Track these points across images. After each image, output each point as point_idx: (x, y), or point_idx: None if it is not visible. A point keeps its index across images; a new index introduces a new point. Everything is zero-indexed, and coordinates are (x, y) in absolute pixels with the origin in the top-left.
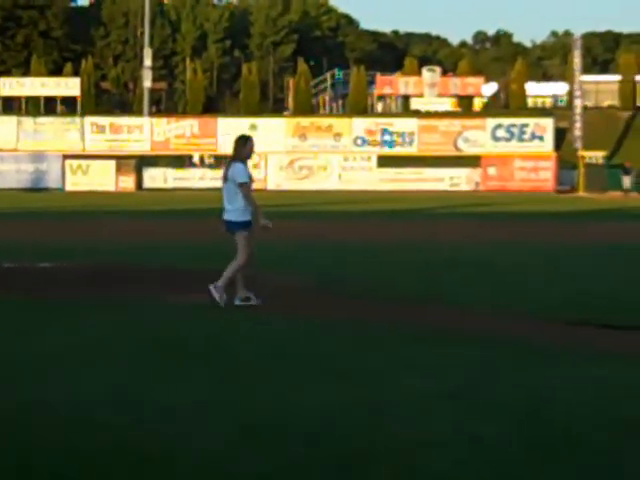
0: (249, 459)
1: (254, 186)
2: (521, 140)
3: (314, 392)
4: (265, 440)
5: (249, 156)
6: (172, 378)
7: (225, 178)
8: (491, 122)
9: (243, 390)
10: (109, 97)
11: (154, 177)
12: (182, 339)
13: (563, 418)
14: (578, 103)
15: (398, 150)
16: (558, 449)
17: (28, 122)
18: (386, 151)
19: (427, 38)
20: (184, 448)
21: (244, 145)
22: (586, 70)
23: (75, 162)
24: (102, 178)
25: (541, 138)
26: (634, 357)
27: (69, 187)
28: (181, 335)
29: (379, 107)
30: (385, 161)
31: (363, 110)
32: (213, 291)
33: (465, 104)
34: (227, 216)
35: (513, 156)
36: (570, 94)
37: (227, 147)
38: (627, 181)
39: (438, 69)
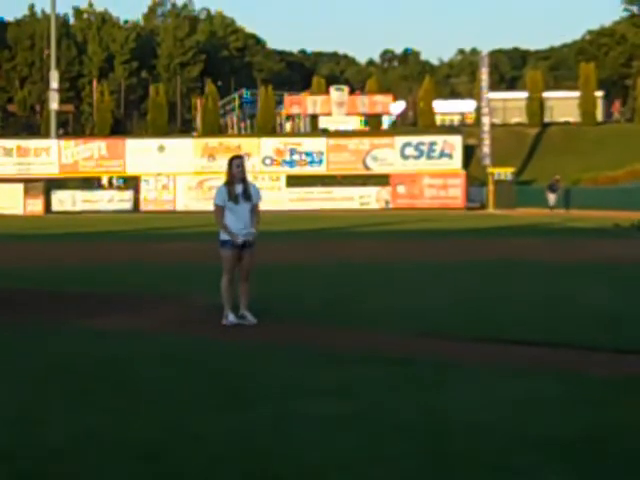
0: None
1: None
2: (430, 158)
3: (217, 416)
4: (166, 465)
5: (235, 177)
6: (66, 404)
7: None
8: (400, 140)
9: (136, 417)
10: (16, 120)
11: (63, 200)
12: (80, 364)
13: (467, 438)
14: (486, 120)
15: (307, 169)
16: (462, 469)
17: None
18: (295, 171)
19: (335, 57)
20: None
21: (229, 166)
22: (493, 87)
23: None
24: (10, 201)
25: (450, 156)
26: (539, 374)
27: None
28: (79, 360)
29: (287, 127)
30: (294, 181)
31: (271, 130)
32: (225, 322)
33: (373, 123)
34: None
35: (422, 174)
36: (478, 111)
37: (136, 168)
38: (552, 198)
39: (346, 88)
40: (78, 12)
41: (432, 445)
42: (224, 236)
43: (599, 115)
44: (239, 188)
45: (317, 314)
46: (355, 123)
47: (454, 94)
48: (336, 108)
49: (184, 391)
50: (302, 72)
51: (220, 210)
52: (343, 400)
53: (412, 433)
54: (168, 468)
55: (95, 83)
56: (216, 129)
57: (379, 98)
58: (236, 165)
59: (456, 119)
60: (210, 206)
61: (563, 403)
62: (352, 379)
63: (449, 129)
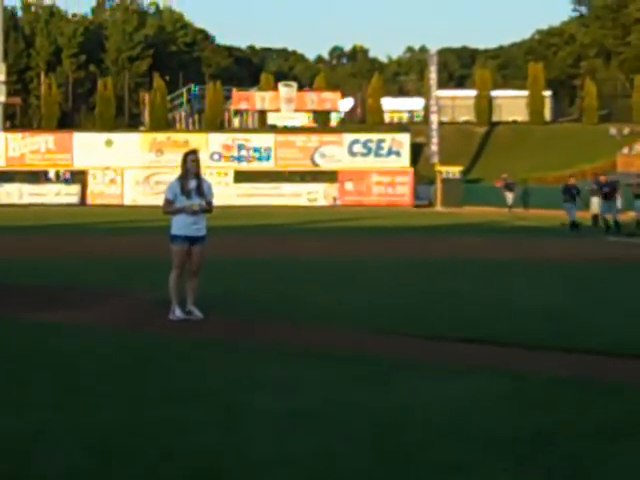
0: (99, 478)
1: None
2: (378, 155)
3: (169, 411)
4: (116, 460)
5: (189, 172)
6: (15, 399)
7: None
8: (348, 137)
9: (87, 413)
10: None
11: (9, 193)
12: (30, 358)
13: (417, 435)
14: (434, 118)
15: (255, 165)
16: (410, 466)
17: None
18: (243, 166)
19: (283, 53)
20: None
21: (183, 161)
22: (442, 85)
23: None
24: None
25: (398, 153)
26: (489, 372)
27: None
28: (28, 354)
29: (236, 122)
30: (242, 176)
31: (220, 125)
32: (172, 317)
33: (322, 119)
34: None
35: (370, 171)
36: (426, 109)
37: (83, 162)
38: (510, 197)
39: (294, 84)
40: (26, 5)
41: (381, 442)
42: (175, 231)
43: (547, 115)
44: (192, 183)
45: (269, 310)
46: (303, 119)
47: (403, 92)
48: (285, 104)
49: (135, 386)
50: (251, 68)
51: (169, 204)
52: (294, 396)
53: (362, 430)
54: (119, 463)
55: (43, 76)
56: (164, 124)
57: (328, 95)
58: (191, 160)
59: (405, 117)
60: (158, 201)
61: (513, 402)
62: (303, 375)
63: (397, 127)
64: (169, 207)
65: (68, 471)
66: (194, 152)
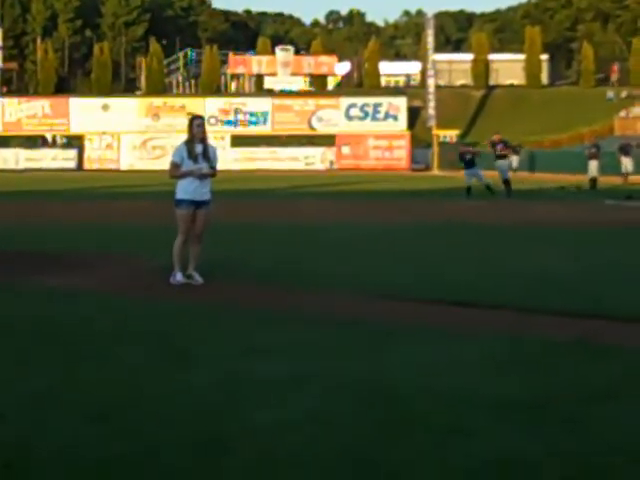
0: (103, 444)
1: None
2: (375, 119)
3: (167, 377)
4: (117, 426)
5: (195, 136)
6: (15, 364)
7: None
8: (345, 101)
9: (86, 379)
10: None
11: (6, 158)
12: (30, 324)
13: (418, 400)
14: (431, 82)
15: (252, 129)
16: (413, 431)
17: None
18: (240, 130)
19: (280, 17)
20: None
21: (189, 126)
22: (439, 49)
23: None
24: None
25: (395, 117)
26: (489, 336)
27: None
28: (29, 320)
29: (232, 87)
30: (239, 140)
31: (216, 90)
32: (172, 281)
33: (319, 83)
34: None
35: (367, 135)
36: (423, 73)
37: (80, 127)
38: (515, 160)
39: (291, 48)
40: None
41: (384, 407)
42: (180, 195)
43: (544, 78)
44: (199, 148)
45: (268, 275)
46: (300, 84)
47: (399, 56)
48: (281, 68)
49: (134, 352)
50: (247, 32)
51: (176, 167)
52: (294, 361)
53: (363, 395)
54: (119, 429)
55: (39, 41)
56: (160, 89)
57: (324, 59)
58: (197, 125)
59: (401, 81)
60: (155, 165)
61: (512, 365)
62: (303, 340)
63: (394, 91)
64: (176, 170)
65: (70, 440)
66: (200, 117)
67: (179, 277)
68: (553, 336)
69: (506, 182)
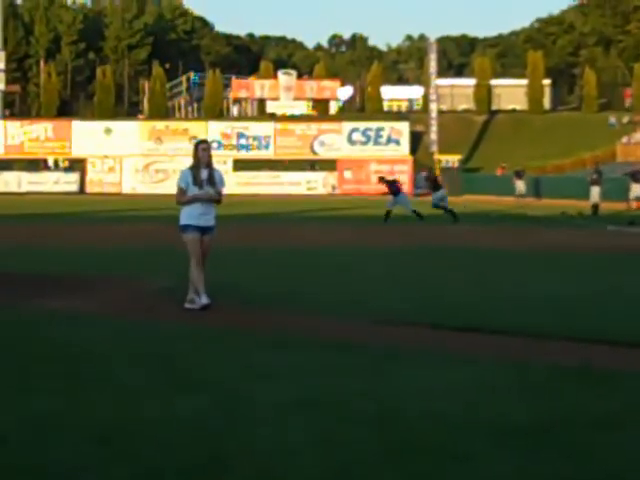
0: (104, 466)
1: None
2: (377, 144)
3: (168, 400)
4: (118, 449)
5: (201, 161)
6: (17, 386)
7: None
8: (347, 126)
9: (88, 401)
10: None
11: (8, 181)
12: (32, 346)
13: (419, 424)
14: (433, 107)
15: (254, 154)
16: (413, 455)
17: None
18: (242, 154)
19: (282, 41)
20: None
21: (195, 150)
22: (441, 74)
23: None
24: None
25: (397, 142)
26: (490, 361)
27: None
28: (30, 342)
29: (235, 111)
30: (241, 165)
31: (219, 114)
32: (188, 306)
33: (321, 108)
34: None
35: (369, 160)
36: (425, 98)
37: (82, 150)
38: (520, 185)
39: (294, 72)
40: None
41: (384, 431)
42: (185, 221)
43: (546, 103)
44: (204, 173)
45: (269, 299)
46: (303, 108)
47: (402, 80)
48: (284, 92)
49: (136, 375)
50: (250, 56)
51: (183, 193)
52: (294, 385)
53: (363, 419)
54: (120, 452)
55: (42, 64)
56: (163, 112)
57: (327, 83)
58: (202, 149)
59: (404, 105)
60: (157, 189)
61: (514, 390)
62: (304, 364)
63: (396, 115)
64: (183, 196)
65: (72, 463)
66: (205, 141)
67: (204, 299)
68: (556, 361)
69: (447, 210)
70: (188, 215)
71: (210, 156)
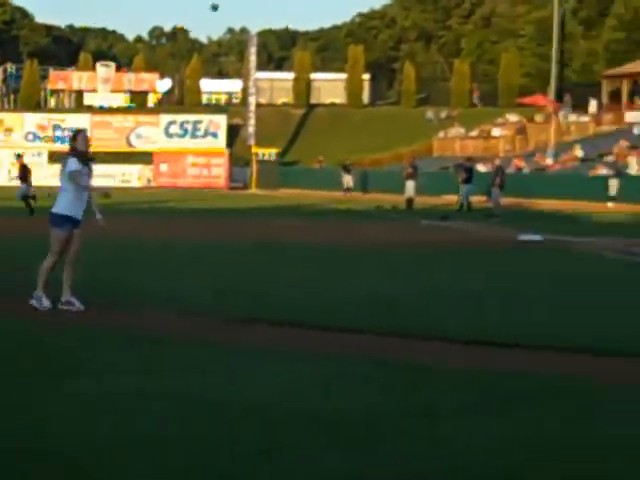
0: None
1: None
2: (195, 137)
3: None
4: None
5: (81, 149)
6: None
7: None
8: (165, 118)
9: None
10: None
11: None
12: None
13: (232, 417)
14: (252, 100)
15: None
16: (223, 450)
17: None
18: (58, 147)
19: (103, 33)
20: None
21: (74, 139)
22: (262, 67)
23: None
24: None
25: (214, 135)
26: (309, 354)
27: None
28: None
29: (52, 102)
30: (57, 157)
31: (35, 105)
32: (34, 303)
33: (139, 100)
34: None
35: (185, 152)
36: (245, 91)
37: None
38: (348, 180)
39: (113, 64)
40: None
41: (199, 426)
42: (62, 211)
43: (365, 97)
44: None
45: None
46: (120, 100)
47: (222, 73)
48: (102, 84)
49: None
50: (70, 47)
51: (80, 174)
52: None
53: (177, 415)
54: None
55: None
56: None
57: (145, 75)
58: (82, 138)
59: (223, 98)
60: None
61: (334, 385)
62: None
63: (215, 108)
64: (81, 178)
65: None
66: (83, 130)
67: (46, 303)
68: (375, 355)
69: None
70: (67, 206)
71: (89, 145)
